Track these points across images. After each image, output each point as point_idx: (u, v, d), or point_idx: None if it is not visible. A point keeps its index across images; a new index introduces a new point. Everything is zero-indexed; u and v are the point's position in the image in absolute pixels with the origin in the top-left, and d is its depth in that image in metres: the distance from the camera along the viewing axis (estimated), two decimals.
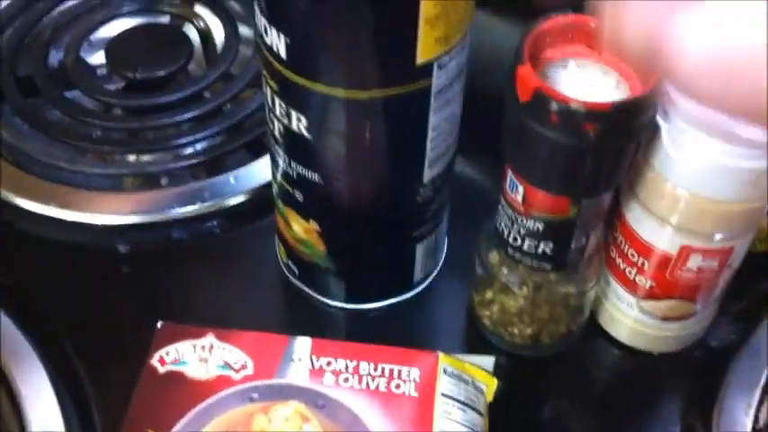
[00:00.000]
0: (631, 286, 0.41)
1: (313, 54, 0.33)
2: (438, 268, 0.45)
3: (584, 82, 0.34)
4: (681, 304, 0.40)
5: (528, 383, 0.42)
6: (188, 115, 0.50)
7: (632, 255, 0.39)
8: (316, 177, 0.37)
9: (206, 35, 0.55)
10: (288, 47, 0.33)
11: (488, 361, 0.40)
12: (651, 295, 0.40)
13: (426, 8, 0.31)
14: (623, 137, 0.32)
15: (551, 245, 0.37)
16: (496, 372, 0.39)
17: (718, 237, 0.37)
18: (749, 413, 0.41)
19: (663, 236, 0.38)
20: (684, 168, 0.35)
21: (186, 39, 0.54)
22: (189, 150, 0.50)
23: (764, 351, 0.43)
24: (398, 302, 0.44)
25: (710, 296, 0.41)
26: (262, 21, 0.33)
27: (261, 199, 0.46)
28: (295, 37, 0.32)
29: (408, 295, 0.44)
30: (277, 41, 0.33)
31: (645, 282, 0.40)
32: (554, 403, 0.41)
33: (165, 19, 0.57)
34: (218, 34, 0.56)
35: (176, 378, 0.37)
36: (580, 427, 0.41)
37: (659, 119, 0.35)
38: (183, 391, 0.37)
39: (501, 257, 0.39)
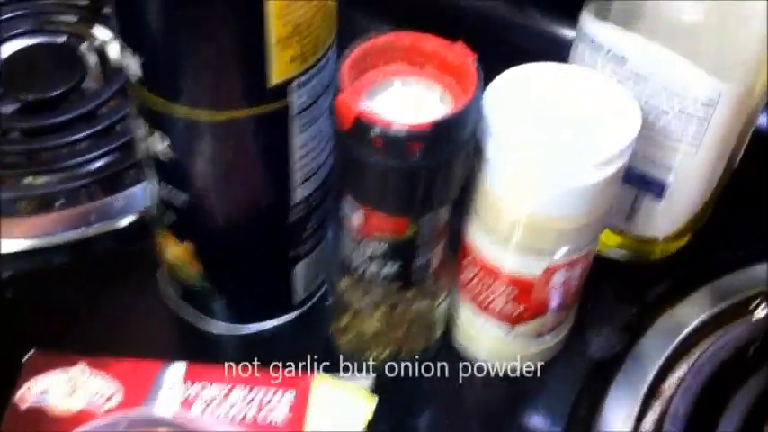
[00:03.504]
0: (501, 316, 0.40)
1: (166, 74, 0.32)
2: (325, 287, 0.45)
3: (409, 99, 0.34)
4: (552, 316, 0.40)
5: (405, 401, 0.42)
6: (80, 135, 0.50)
7: (498, 287, 0.39)
8: (185, 197, 0.37)
9: (103, 54, 0.55)
10: (142, 66, 0.33)
11: (367, 381, 0.40)
12: (522, 318, 0.40)
13: (277, 29, 0.31)
14: (448, 151, 0.33)
15: (397, 264, 0.37)
16: (377, 390, 0.39)
17: (569, 250, 0.37)
18: (629, 423, 0.41)
19: (520, 261, 0.37)
20: (520, 190, 0.35)
21: (81, 58, 0.54)
22: (83, 170, 0.49)
23: (648, 361, 0.44)
24: (282, 324, 0.43)
25: (574, 299, 0.41)
26: (119, 40, 0.33)
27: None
28: (147, 57, 0.32)
29: (292, 316, 0.43)
30: (132, 60, 0.33)
31: (516, 308, 0.39)
32: (432, 421, 0.41)
33: (62, 39, 0.56)
34: (115, 53, 0.55)
35: (39, 414, 0.36)
36: None
37: (485, 142, 0.35)
38: (44, 428, 0.36)
39: (351, 283, 0.39)
